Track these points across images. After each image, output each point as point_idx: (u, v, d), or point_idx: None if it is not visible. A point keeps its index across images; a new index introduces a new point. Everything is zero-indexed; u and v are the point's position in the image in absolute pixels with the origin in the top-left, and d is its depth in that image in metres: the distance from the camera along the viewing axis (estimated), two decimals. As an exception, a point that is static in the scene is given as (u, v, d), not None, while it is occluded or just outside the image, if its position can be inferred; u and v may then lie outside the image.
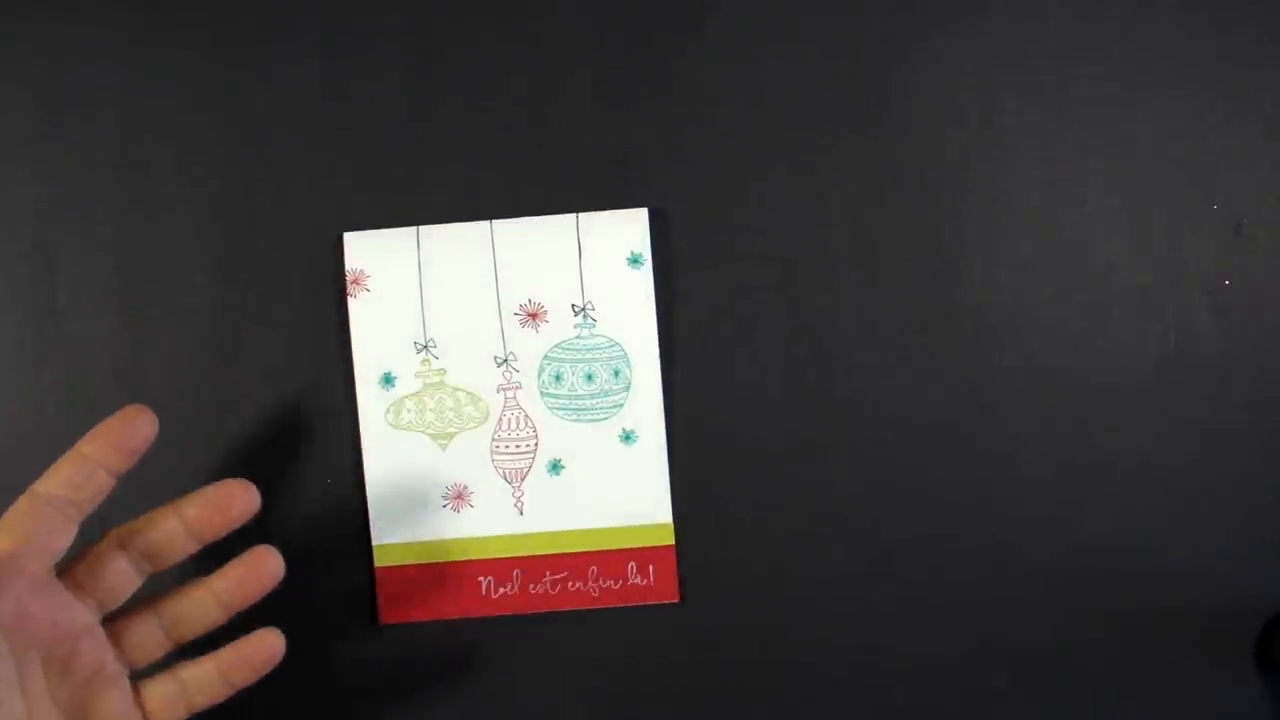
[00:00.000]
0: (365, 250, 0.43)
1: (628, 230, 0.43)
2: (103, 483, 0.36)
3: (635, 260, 0.43)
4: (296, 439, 0.44)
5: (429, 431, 0.43)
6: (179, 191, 0.44)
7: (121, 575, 0.37)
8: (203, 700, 0.39)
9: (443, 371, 0.43)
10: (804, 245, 0.44)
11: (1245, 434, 0.44)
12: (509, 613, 0.44)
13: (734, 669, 0.44)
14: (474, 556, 0.44)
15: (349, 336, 0.44)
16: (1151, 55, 0.44)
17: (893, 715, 0.44)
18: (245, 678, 0.39)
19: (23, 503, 0.36)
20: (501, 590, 0.44)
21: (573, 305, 0.43)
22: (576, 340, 0.43)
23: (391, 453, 0.43)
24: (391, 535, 0.44)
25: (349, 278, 0.43)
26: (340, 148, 0.44)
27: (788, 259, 0.44)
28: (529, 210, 0.44)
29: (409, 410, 0.43)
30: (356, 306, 0.43)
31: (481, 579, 0.44)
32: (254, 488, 0.38)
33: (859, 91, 0.44)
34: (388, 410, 0.43)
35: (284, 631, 0.44)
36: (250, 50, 0.44)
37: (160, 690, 0.38)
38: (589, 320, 0.43)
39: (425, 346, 0.43)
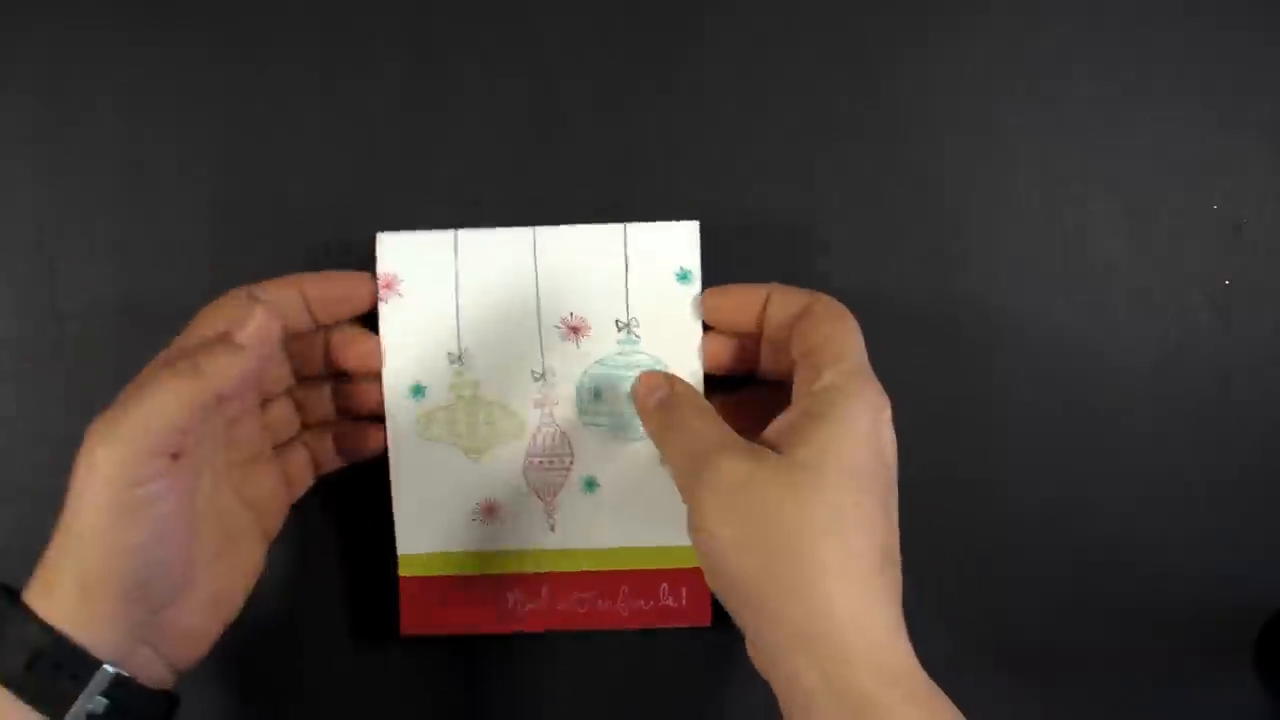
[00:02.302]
0: (400, 252, 0.41)
1: (677, 244, 0.41)
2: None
3: (684, 276, 0.41)
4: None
5: (460, 444, 0.42)
6: (179, 191, 0.44)
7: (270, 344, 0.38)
8: (325, 467, 0.43)
9: (476, 384, 0.41)
10: (804, 245, 0.44)
11: (1245, 434, 0.44)
12: (535, 629, 0.43)
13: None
14: (502, 571, 0.42)
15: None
16: (1151, 55, 0.44)
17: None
18: (359, 446, 0.42)
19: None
20: (529, 606, 0.43)
21: (616, 321, 0.41)
22: (618, 357, 0.41)
23: (421, 464, 0.42)
24: (418, 545, 0.42)
25: (381, 281, 0.41)
26: (339, 148, 0.44)
27: (787, 258, 0.44)
28: (557, 213, 0.43)
29: (439, 423, 0.41)
30: (388, 312, 0.41)
31: (509, 594, 0.42)
32: (369, 280, 0.41)
33: (859, 91, 0.44)
34: (418, 421, 0.41)
35: (304, 640, 0.44)
36: (250, 50, 0.44)
37: (296, 458, 0.42)
38: (632, 337, 0.41)
39: (459, 357, 0.41)
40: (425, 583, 0.42)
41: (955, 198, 0.44)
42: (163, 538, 0.35)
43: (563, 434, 0.41)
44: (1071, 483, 0.44)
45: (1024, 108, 0.44)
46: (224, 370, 0.35)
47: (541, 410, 0.41)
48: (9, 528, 0.44)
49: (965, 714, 0.36)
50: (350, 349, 0.41)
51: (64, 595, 0.34)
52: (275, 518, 0.41)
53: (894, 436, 0.36)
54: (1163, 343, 0.44)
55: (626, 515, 0.42)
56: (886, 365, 0.44)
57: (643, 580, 0.42)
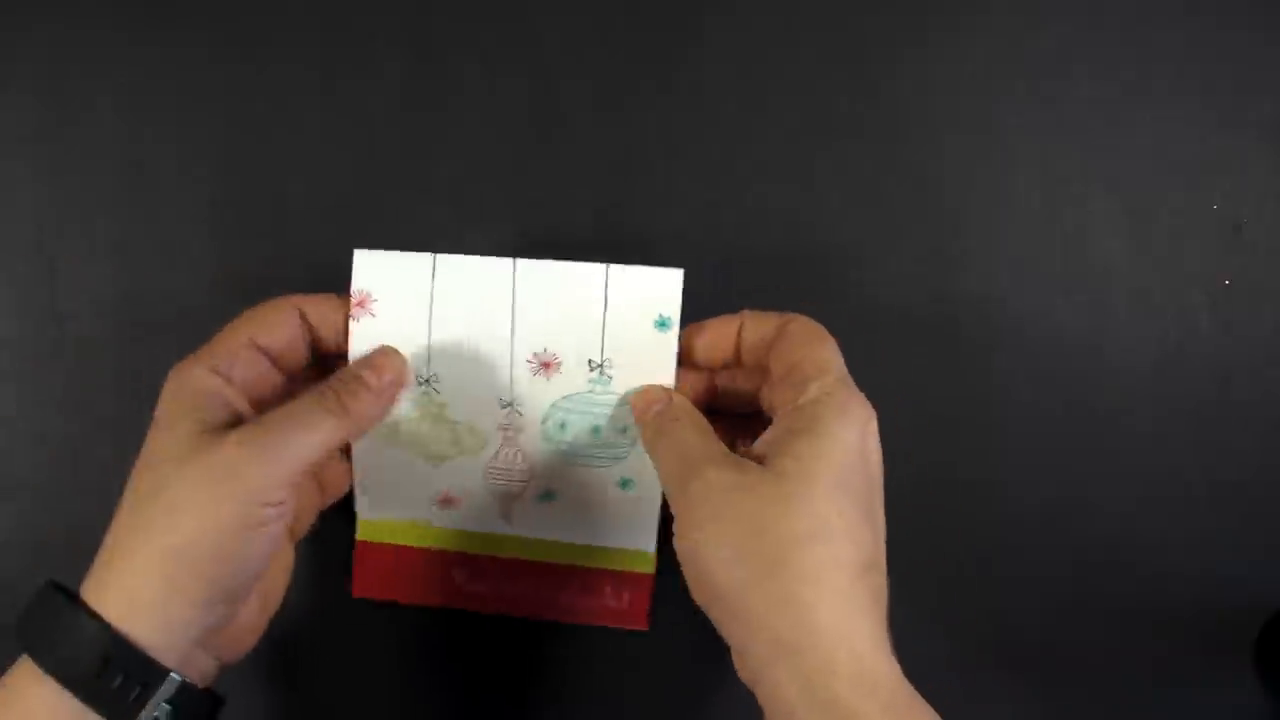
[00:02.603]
0: (376, 271, 0.40)
1: (660, 291, 0.40)
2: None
3: (663, 324, 0.40)
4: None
5: (422, 454, 0.42)
6: (179, 191, 0.44)
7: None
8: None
9: (443, 405, 0.41)
10: (804, 245, 0.44)
11: (1245, 434, 0.44)
12: (479, 610, 0.44)
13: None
14: (455, 548, 0.43)
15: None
16: (1151, 55, 0.44)
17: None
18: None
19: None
20: (475, 586, 0.44)
21: (590, 360, 0.40)
22: (588, 395, 0.41)
23: (383, 464, 0.42)
24: (376, 512, 0.43)
25: (354, 299, 0.40)
26: (339, 148, 0.44)
27: (787, 258, 0.44)
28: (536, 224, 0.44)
29: (403, 434, 0.41)
30: (359, 329, 0.40)
31: (456, 571, 0.44)
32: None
33: (859, 91, 0.44)
34: (383, 428, 0.41)
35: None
36: (250, 50, 0.44)
37: (335, 466, 0.42)
38: (604, 377, 0.40)
39: (428, 380, 0.41)
40: (380, 549, 0.43)
41: (955, 198, 0.44)
42: (265, 554, 0.36)
43: (523, 454, 0.42)
44: (1071, 483, 0.44)
45: (1024, 108, 0.44)
46: (366, 413, 0.37)
47: (505, 433, 0.41)
48: (9, 525, 0.44)
49: (966, 714, 0.36)
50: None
51: (144, 598, 0.34)
52: (307, 519, 0.42)
53: (879, 447, 0.36)
54: (1163, 343, 0.44)
55: (579, 519, 0.43)
56: (887, 365, 0.44)
57: (589, 577, 0.43)
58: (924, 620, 0.44)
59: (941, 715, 0.40)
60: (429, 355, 0.40)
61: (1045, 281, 0.44)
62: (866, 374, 0.44)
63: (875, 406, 0.44)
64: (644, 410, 0.39)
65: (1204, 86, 0.44)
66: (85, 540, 0.36)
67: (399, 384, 0.39)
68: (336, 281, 0.44)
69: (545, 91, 0.44)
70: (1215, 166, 0.44)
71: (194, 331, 0.44)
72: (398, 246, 0.40)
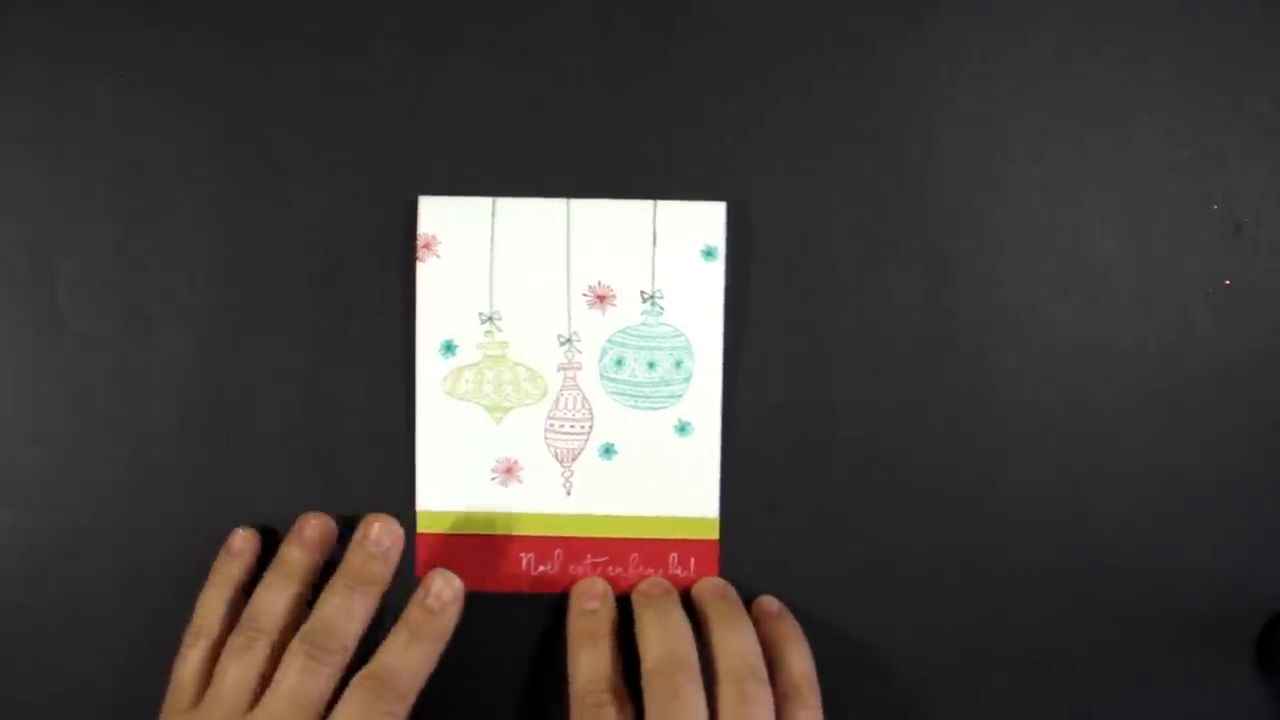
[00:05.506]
0: (440, 215, 0.43)
1: (704, 222, 0.43)
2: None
3: (709, 253, 0.43)
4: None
5: (485, 404, 0.43)
6: (179, 191, 0.44)
7: None
8: None
9: (505, 344, 0.43)
10: (803, 244, 0.44)
11: (1245, 434, 0.44)
12: (546, 591, 0.44)
13: None
14: (517, 532, 0.44)
15: (409, 309, 0.43)
16: (1151, 55, 0.44)
17: (892, 715, 0.44)
18: None
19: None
20: (541, 568, 0.44)
21: (642, 292, 0.43)
22: (642, 327, 0.43)
23: (445, 421, 0.43)
24: (437, 502, 0.44)
25: (420, 242, 0.43)
26: (340, 149, 0.44)
27: (785, 258, 0.44)
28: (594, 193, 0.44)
29: (467, 381, 0.43)
30: (425, 271, 0.43)
31: (523, 555, 0.44)
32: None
33: (859, 91, 0.44)
34: (445, 378, 0.43)
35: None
36: (251, 50, 0.44)
37: None
38: (656, 308, 0.43)
39: (490, 318, 0.43)
40: (442, 540, 0.44)
41: (954, 197, 0.44)
42: None
43: (584, 399, 0.43)
44: (1071, 483, 0.44)
45: (1023, 107, 0.44)
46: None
47: (565, 374, 0.43)
48: (8, 528, 0.44)
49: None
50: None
51: None
52: None
53: None
54: (1162, 343, 0.44)
55: (641, 484, 0.44)
56: (885, 365, 0.44)
57: (653, 549, 0.44)
58: (923, 621, 0.44)
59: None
60: (491, 292, 0.43)
61: (1045, 281, 0.44)
62: (864, 374, 0.44)
63: (874, 407, 0.44)
64: (585, 598, 0.43)
65: (1203, 86, 0.44)
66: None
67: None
68: (337, 280, 0.44)
69: (544, 92, 0.44)
70: (1215, 166, 0.44)
71: (194, 331, 0.44)
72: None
